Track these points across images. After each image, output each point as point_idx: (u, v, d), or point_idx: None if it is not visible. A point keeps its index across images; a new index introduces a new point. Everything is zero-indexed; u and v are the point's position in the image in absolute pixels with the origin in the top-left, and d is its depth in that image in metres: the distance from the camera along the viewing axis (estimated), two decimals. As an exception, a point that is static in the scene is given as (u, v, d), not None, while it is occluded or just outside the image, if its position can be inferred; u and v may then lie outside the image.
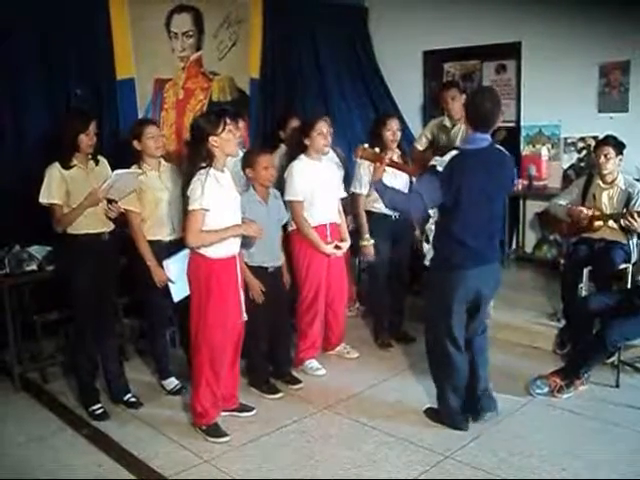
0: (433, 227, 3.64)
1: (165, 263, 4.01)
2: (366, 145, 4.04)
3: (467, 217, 3.47)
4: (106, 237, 4.00)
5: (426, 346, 3.84)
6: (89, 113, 4.04)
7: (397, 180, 4.42)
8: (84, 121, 3.87)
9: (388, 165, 3.92)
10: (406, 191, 4.47)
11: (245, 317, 3.76)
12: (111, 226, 4.03)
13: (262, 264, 4.20)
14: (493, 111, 3.46)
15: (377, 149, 3.94)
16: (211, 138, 3.48)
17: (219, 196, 3.51)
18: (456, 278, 3.53)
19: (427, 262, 3.66)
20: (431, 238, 3.63)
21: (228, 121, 3.53)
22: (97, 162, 4.02)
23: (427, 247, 3.68)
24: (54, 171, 3.83)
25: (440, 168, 3.42)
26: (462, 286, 3.55)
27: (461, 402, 3.78)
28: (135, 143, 4.07)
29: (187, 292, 3.78)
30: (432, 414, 3.92)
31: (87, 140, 3.87)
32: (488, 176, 3.50)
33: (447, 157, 3.46)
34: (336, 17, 6.98)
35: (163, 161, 4.18)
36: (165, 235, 4.12)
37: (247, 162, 4.16)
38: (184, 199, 3.53)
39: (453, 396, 3.74)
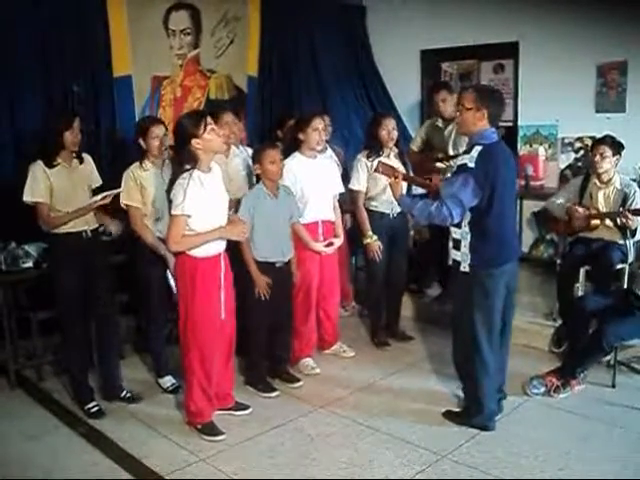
0: (465, 231, 3.56)
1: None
2: (383, 160, 4.23)
3: (501, 211, 3.50)
4: (88, 235, 3.98)
5: (456, 347, 3.81)
6: (72, 111, 4.02)
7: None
8: (68, 118, 3.86)
9: (404, 181, 3.93)
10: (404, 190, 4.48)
11: (223, 316, 3.69)
12: (93, 224, 4.02)
13: (269, 259, 4.17)
14: (504, 108, 3.66)
15: (400, 165, 3.97)
16: (193, 140, 3.44)
17: (203, 199, 3.47)
18: (499, 274, 3.55)
19: (464, 268, 3.56)
20: (466, 243, 3.54)
21: (209, 120, 3.50)
22: (81, 161, 4.00)
23: (459, 254, 3.59)
24: (37, 169, 3.82)
25: (471, 164, 3.42)
26: (502, 281, 3.57)
27: (493, 401, 3.77)
28: (140, 141, 4.06)
29: None
30: (454, 416, 3.89)
31: (72, 137, 3.86)
32: (508, 167, 3.57)
33: (474, 153, 3.46)
34: (334, 15, 6.99)
35: (166, 159, 4.17)
36: (165, 233, 4.11)
37: (255, 158, 4.18)
38: (168, 202, 3.52)
39: (487, 397, 3.72)
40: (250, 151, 4.66)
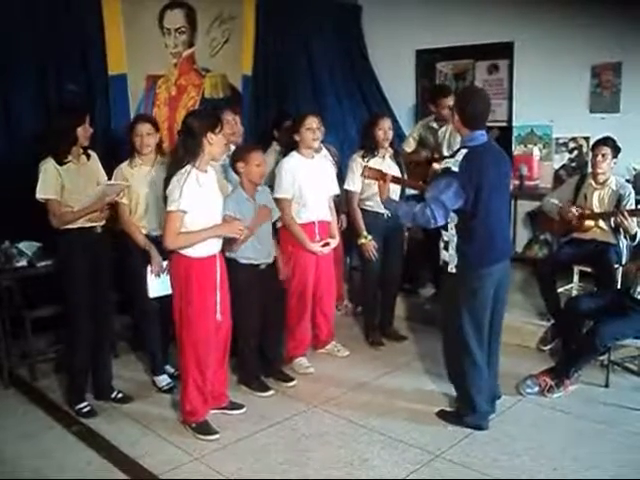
0: (452, 233, 3.57)
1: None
2: (370, 164, 4.27)
3: (488, 213, 3.50)
4: (98, 230, 3.98)
5: (446, 348, 3.83)
6: (82, 106, 4.02)
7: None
8: (80, 114, 3.88)
9: (392, 182, 3.97)
10: (397, 194, 4.50)
11: (219, 317, 3.71)
12: (103, 221, 4.02)
13: (253, 261, 4.17)
14: (486, 108, 3.60)
15: (395, 166, 4.09)
16: (209, 134, 3.49)
17: (198, 197, 3.48)
18: (485, 275, 3.56)
19: (452, 269, 3.59)
20: (453, 245, 3.56)
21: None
22: (88, 157, 4.00)
23: (447, 254, 3.62)
24: (49, 166, 3.81)
25: (455, 168, 3.42)
26: (489, 283, 3.58)
27: (485, 401, 3.78)
28: (130, 138, 4.09)
29: (166, 291, 3.88)
30: (447, 416, 3.90)
31: (84, 133, 3.87)
32: (497, 169, 3.56)
33: (459, 156, 3.46)
34: (329, 15, 6.99)
35: (159, 157, 4.18)
36: (152, 230, 4.12)
37: (239, 156, 4.12)
38: (164, 197, 3.53)
39: (479, 396, 3.73)
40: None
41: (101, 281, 4.02)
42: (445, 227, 3.59)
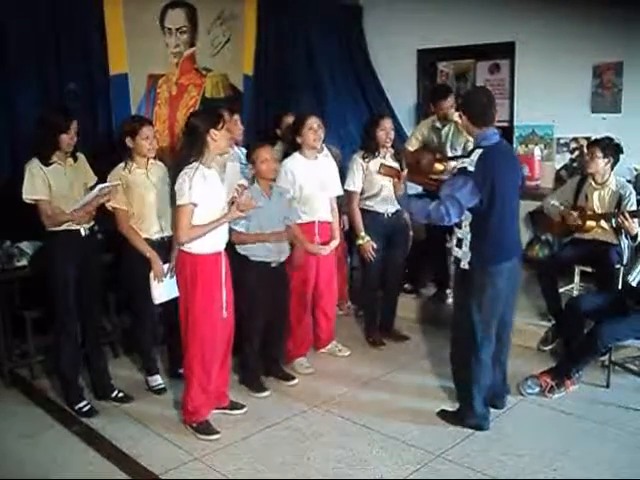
0: (466, 230, 3.60)
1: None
2: (371, 164, 4.31)
3: (501, 212, 3.52)
4: (86, 233, 3.96)
5: (454, 344, 3.83)
6: (70, 112, 3.97)
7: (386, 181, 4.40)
8: (65, 121, 3.83)
9: (409, 180, 3.98)
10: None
11: (225, 315, 3.70)
12: (90, 222, 4.00)
13: (265, 259, 4.17)
14: (490, 102, 3.61)
15: (396, 164, 4.09)
16: (212, 131, 3.52)
17: (205, 192, 3.52)
18: (496, 273, 3.57)
19: (464, 266, 3.62)
20: (467, 242, 3.59)
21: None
22: (75, 159, 3.99)
23: (460, 252, 3.65)
24: (34, 167, 3.79)
25: (471, 168, 3.45)
26: (500, 280, 3.59)
27: (483, 402, 3.77)
28: (128, 140, 4.02)
29: (172, 295, 3.87)
30: (448, 416, 3.90)
31: (68, 139, 3.84)
32: (509, 168, 3.61)
33: (474, 156, 3.50)
34: (330, 15, 6.99)
35: (152, 159, 4.15)
36: (153, 233, 4.10)
37: (249, 158, 4.20)
38: (172, 195, 3.54)
39: (479, 397, 3.73)
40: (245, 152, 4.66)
41: (89, 282, 4.01)
42: (459, 225, 3.63)
